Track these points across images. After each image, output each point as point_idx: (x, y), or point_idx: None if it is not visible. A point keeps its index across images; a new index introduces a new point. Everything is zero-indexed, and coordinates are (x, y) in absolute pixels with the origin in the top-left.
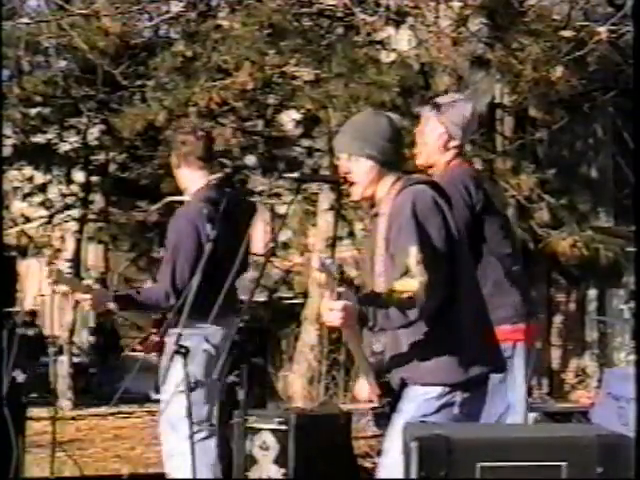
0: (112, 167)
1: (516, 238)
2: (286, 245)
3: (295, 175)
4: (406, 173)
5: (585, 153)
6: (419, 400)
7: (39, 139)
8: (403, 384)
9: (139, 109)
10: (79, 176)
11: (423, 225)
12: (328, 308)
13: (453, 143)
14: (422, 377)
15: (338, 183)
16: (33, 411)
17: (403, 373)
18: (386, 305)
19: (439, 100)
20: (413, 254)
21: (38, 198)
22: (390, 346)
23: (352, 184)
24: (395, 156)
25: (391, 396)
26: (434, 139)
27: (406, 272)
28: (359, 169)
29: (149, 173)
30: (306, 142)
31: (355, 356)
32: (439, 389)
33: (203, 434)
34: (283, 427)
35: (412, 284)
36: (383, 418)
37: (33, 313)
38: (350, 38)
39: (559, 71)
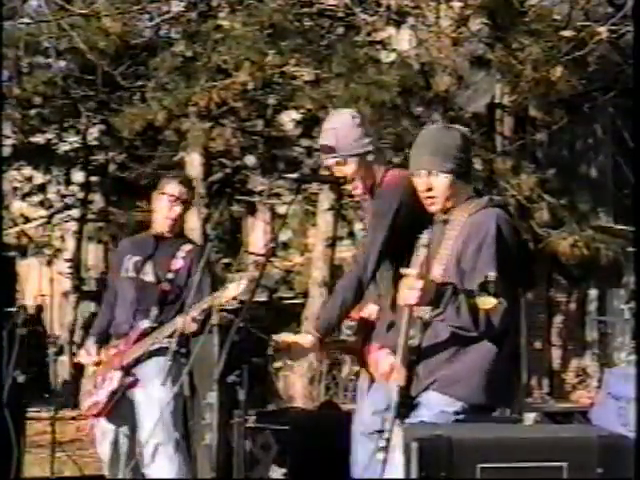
0: (112, 167)
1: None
2: (286, 245)
3: (295, 176)
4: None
5: (585, 153)
6: (437, 410)
7: (39, 139)
8: (426, 388)
9: (139, 109)
10: (79, 176)
11: (504, 251)
12: (409, 286)
13: None
14: (448, 388)
15: (338, 183)
16: (33, 411)
17: (431, 377)
18: (467, 303)
19: None
20: (493, 279)
21: (38, 198)
22: (428, 348)
23: (432, 198)
24: (469, 169)
25: (408, 390)
26: None
27: (483, 292)
28: (441, 184)
29: (149, 173)
30: (306, 142)
31: (401, 338)
32: (459, 405)
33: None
34: (283, 427)
35: (491, 301)
36: (404, 407)
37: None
38: (350, 38)
39: (559, 71)
